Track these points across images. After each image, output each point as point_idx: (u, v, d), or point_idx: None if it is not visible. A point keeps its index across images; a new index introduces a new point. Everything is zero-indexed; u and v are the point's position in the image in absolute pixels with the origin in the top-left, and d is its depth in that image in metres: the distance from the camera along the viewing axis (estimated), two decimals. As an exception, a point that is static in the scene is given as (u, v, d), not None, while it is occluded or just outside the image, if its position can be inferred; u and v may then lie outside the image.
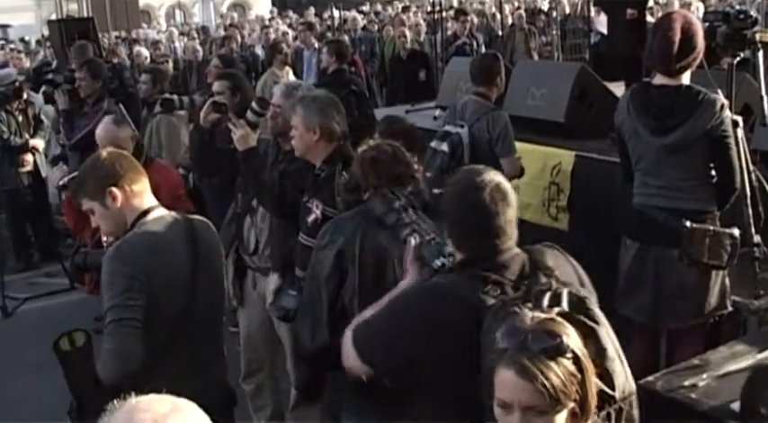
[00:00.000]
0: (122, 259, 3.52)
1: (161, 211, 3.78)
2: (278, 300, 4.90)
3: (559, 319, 2.34)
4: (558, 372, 2.18)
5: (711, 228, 4.77)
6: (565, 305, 2.61)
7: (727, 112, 4.80)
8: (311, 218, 4.62)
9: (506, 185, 3.00)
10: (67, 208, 6.25)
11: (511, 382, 2.20)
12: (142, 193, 3.74)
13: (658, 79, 4.91)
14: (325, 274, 3.91)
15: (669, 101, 4.82)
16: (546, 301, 2.62)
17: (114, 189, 3.63)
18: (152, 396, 1.77)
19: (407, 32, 13.39)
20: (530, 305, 2.56)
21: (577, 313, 2.56)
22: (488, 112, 6.49)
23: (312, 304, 3.97)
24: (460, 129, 6.51)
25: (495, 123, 6.45)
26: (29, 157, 9.82)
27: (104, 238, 4.19)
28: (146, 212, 3.71)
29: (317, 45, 13.60)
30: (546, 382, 2.16)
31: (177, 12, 48.74)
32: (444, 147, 6.50)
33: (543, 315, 2.35)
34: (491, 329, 2.47)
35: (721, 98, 4.82)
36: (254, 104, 5.34)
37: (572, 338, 2.26)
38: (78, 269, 4.37)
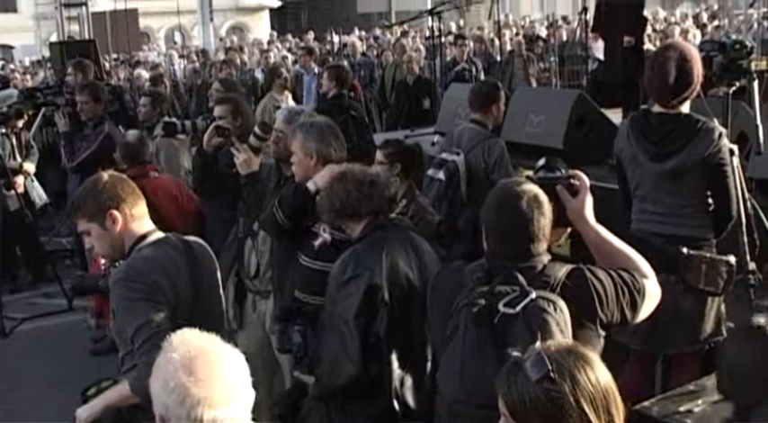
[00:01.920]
0: (133, 279, 3.57)
1: (158, 235, 3.82)
2: (286, 335, 4.63)
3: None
4: None
5: (708, 254, 4.80)
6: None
7: (725, 141, 4.84)
8: (318, 242, 4.68)
9: (543, 197, 3.24)
10: None
11: None
12: (141, 218, 3.79)
13: (657, 107, 4.97)
14: (354, 311, 3.95)
15: (668, 128, 4.87)
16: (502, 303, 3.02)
17: (115, 212, 3.68)
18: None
19: (414, 55, 13.48)
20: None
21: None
22: (484, 140, 6.54)
23: (341, 342, 3.98)
24: (456, 156, 6.56)
25: (490, 151, 6.50)
26: (20, 180, 9.80)
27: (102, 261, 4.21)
28: (144, 237, 3.76)
29: (316, 70, 13.67)
30: None
31: (176, 34, 48.88)
32: (441, 175, 6.55)
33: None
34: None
35: (719, 127, 4.87)
36: (256, 129, 5.38)
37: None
38: (76, 292, 4.37)
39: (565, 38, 19.14)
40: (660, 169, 4.87)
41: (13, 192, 9.53)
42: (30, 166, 10.02)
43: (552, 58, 17.03)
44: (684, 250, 4.75)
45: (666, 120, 4.89)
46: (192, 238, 3.99)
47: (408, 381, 4.10)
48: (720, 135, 4.80)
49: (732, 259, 4.80)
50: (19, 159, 9.85)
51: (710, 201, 4.91)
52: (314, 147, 4.80)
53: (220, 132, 5.65)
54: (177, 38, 47.03)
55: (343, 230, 4.50)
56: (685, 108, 4.89)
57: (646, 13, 11.01)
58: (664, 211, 4.94)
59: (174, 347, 2.35)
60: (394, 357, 4.04)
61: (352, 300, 3.95)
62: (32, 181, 10.09)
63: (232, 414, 2.29)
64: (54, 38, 26.76)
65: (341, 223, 4.29)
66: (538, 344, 2.34)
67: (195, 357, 2.32)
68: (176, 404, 2.26)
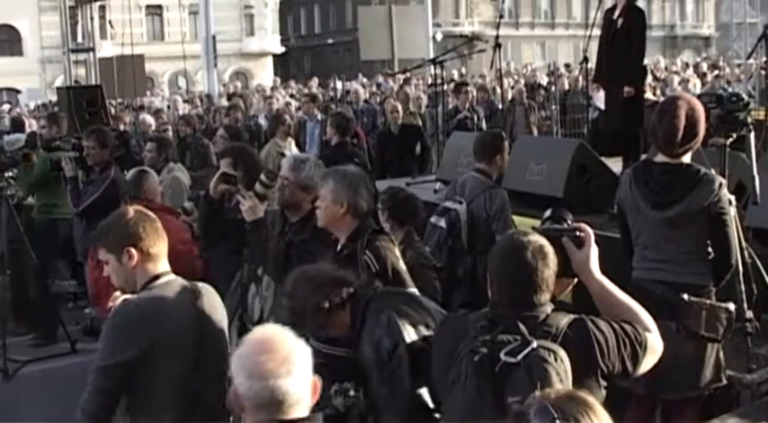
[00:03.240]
0: (120, 323, 3.68)
1: (170, 277, 3.90)
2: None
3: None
4: None
5: (708, 301, 4.87)
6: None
7: (725, 191, 4.93)
8: None
9: (549, 249, 3.32)
10: (91, 265, 6.31)
11: None
12: (158, 258, 3.87)
13: (660, 157, 5.06)
14: (408, 382, 3.94)
15: (670, 177, 4.96)
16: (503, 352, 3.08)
17: (132, 249, 3.77)
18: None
19: (400, 107, 13.54)
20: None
21: None
22: (487, 190, 6.63)
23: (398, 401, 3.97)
24: (459, 205, 6.65)
25: (492, 201, 6.58)
26: None
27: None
28: (157, 277, 3.84)
29: (319, 117, 13.77)
30: None
31: (180, 78, 49.26)
32: (442, 223, 6.64)
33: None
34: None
35: (719, 177, 4.97)
36: (262, 176, 5.45)
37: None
38: (87, 334, 4.45)
39: (566, 86, 19.27)
40: (661, 217, 4.95)
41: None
42: None
43: (554, 107, 17.12)
44: (685, 297, 4.82)
45: (668, 169, 4.98)
46: (200, 283, 4.05)
47: None
48: (721, 185, 4.89)
49: (732, 306, 4.87)
50: (31, 200, 9.92)
51: (710, 249, 4.98)
52: (345, 195, 4.83)
53: (226, 179, 5.74)
54: (181, 82, 47.46)
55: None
56: (687, 158, 4.99)
57: (647, 61, 11.14)
58: (665, 258, 5.01)
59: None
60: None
61: (402, 372, 3.97)
62: None
63: None
64: (60, 81, 27.03)
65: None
66: (538, 393, 2.38)
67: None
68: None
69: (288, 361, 2.78)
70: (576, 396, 2.35)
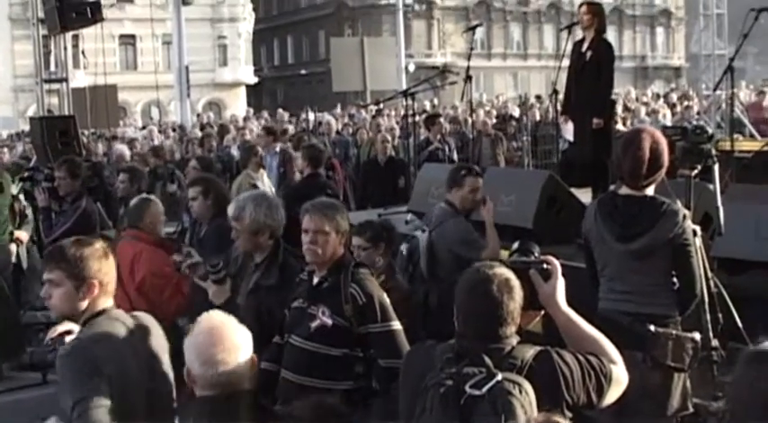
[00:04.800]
0: (77, 356, 3.65)
1: (114, 312, 3.90)
2: None
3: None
4: None
5: (674, 332, 4.93)
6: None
7: (689, 222, 5.01)
8: (315, 324, 4.72)
9: (515, 282, 3.36)
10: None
11: None
12: (110, 294, 3.90)
13: (624, 190, 5.12)
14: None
15: (635, 210, 5.03)
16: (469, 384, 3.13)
17: (95, 283, 3.79)
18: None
19: (389, 137, 13.66)
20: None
21: None
22: (450, 219, 6.72)
23: None
24: (421, 233, 6.77)
25: (454, 229, 6.67)
26: (13, 248, 9.82)
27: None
28: (102, 312, 3.84)
29: (278, 149, 13.73)
30: None
31: (153, 108, 49.19)
32: (404, 249, 6.77)
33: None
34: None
35: (683, 209, 5.05)
36: (208, 267, 5.45)
37: None
38: (23, 369, 4.35)
39: (537, 117, 19.44)
40: (626, 250, 5.02)
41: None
42: (23, 234, 10.01)
43: (525, 138, 17.25)
44: (652, 328, 4.89)
45: (633, 202, 5.05)
46: (138, 313, 4.07)
47: None
48: (684, 217, 4.96)
49: (697, 336, 4.94)
50: (11, 228, 9.88)
51: (675, 280, 5.05)
52: (344, 225, 4.91)
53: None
54: (154, 113, 47.39)
55: (343, 315, 4.64)
56: (650, 190, 5.06)
57: (618, 91, 11.27)
58: (630, 290, 5.06)
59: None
60: None
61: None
62: (26, 250, 10.11)
63: None
64: (32, 111, 26.95)
65: None
66: None
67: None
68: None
69: (235, 348, 3.40)
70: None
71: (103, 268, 3.83)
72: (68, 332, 3.98)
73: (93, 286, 3.78)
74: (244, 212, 5.50)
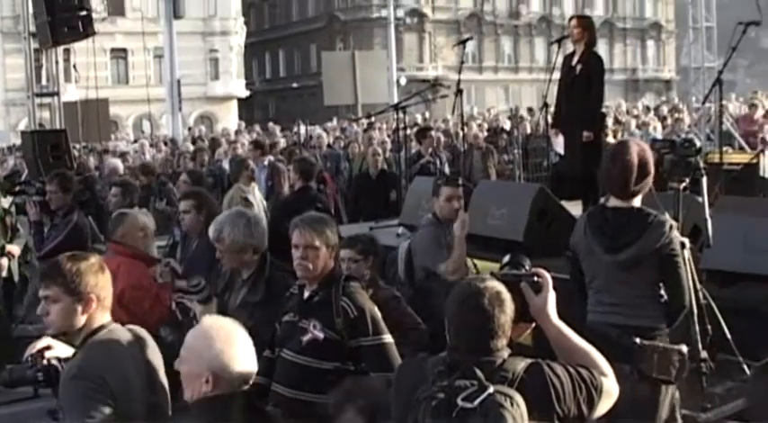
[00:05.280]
0: (84, 377, 3.67)
1: (113, 326, 3.93)
2: None
3: None
4: None
5: (661, 344, 4.96)
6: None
7: (676, 233, 5.05)
8: (307, 338, 4.75)
9: (506, 295, 3.37)
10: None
11: None
12: (107, 309, 3.92)
13: (612, 202, 5.16)
14: None
15: (622, 221, 5.06)
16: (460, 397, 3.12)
17: (94, 298, 3.80)
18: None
19: (380, 150, 13.69)
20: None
21: None
22: (429, 227, 6.79)
23: None
24: (405, 242, 6.87)
25: (419, 239, 6.84)
26: (4, 262, 9.82)
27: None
28: (101, 328, 3.86)
29: (266, 162, 13.76)
30: None
31: (145, 122, 49.17)
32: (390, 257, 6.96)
33: None
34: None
35: (670, 220, 5.08)
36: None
37: None
38: (6, 385, 4.22)
39: (528, 130, 19.48)
40: (614, 261, 5.04)
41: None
42: (15, 248, 9.99)
43: (516, 151, 17.30)
44: (638, 341, 4.91)
45: (621, 213, 5.08)
46: (134, 327, 4.09)
47: None
48: (671, 228, 5.00)
49: (684, 349, 4.96)
50: (2, 241, 9.87)
51: (663, 292, 5.07)
52: (334, 239, 4.94)
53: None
54: (145, 126, 47.38)
55: (335, 329, 4.66)
56: (637, 202, 5.10)
57: (608, 104, 11.33)
58: (618, 302, 5.09)
59: None
60: None
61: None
62: (17, 264, 10.08)
63: None
64: (23, 124, 26.91)
65: None
66: None
67: None
68: None
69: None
70: None
71: (100, 283, 3.84)
72: (48, 348, 3.93)
73: (91, 301, 3.80)
74: (222, 234, 5.57)
